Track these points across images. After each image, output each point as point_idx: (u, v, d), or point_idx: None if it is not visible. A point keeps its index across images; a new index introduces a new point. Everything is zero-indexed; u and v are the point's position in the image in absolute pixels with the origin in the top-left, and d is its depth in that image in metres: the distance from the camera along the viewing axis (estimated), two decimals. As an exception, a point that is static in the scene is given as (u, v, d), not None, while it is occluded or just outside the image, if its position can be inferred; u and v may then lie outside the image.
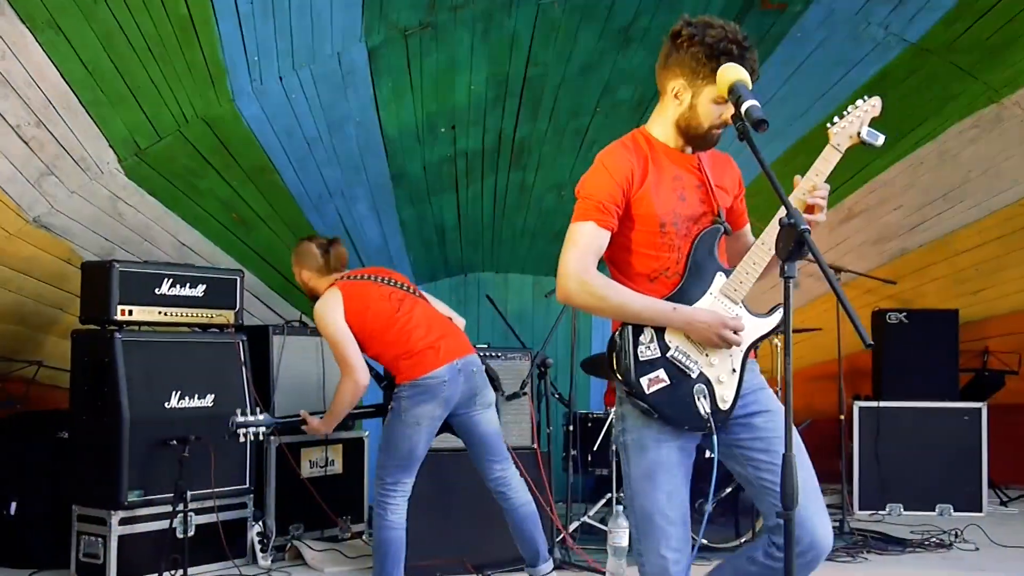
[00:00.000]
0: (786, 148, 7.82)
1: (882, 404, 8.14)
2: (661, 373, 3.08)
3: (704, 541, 6.37)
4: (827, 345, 7.67)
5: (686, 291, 3.18)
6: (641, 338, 3.11)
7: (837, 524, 7.12)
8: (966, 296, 8.93)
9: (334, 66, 5.89)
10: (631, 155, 3.18)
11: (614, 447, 6.30)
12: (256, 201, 6.64)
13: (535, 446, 6.06)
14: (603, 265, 3.32)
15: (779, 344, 7.35)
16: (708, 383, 3.11)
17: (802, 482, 2.80)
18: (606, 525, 5.71)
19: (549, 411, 6.09)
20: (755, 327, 3.19)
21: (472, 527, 5.84)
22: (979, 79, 7.24)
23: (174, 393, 5.66)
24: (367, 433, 6.90)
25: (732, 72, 2.96)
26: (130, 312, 5.64)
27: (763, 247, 3.17)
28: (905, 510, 7.99)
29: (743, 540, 6.46)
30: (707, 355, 3.13)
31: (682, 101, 3.20)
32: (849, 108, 3.41)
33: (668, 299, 3.14)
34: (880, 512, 7.99)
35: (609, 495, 6.81)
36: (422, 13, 5.81)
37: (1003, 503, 8.48)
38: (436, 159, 7.17)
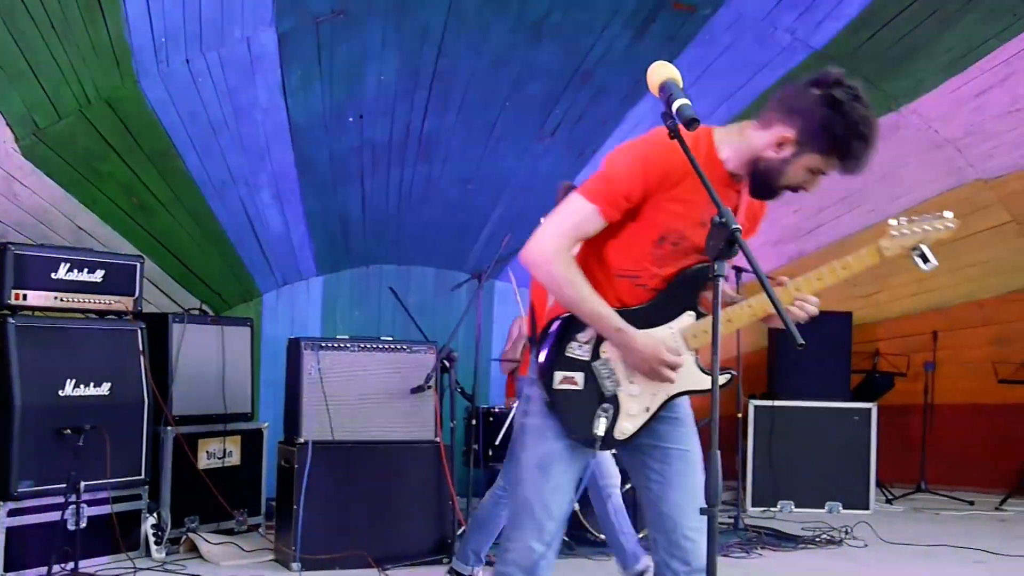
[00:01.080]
0: (692, 149, 7.89)
1: (776, 403, 8.30)
2: (578, 376, 3.04)
3: (603, 537, 6.42)
4: (727, 344, 7.76)
5: (651, 313, 3.05)
6: (579, 336, 3.06)
7: (732, 520, 7.24)
8: (859, 299, 9.14)
9: (243, 51, 5.78)
10: (675, 159, 2.85)
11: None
12: (158, 186, 6.48)
13: (438, 439, 6.03)
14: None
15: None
16: (617, 408, 3.03)
17: (688, 498, 3.00)
18: (507, 520, 5.72)
19: (453, 405, 6.06)
20: (692, 379, 3.07)
21: (372, 521, 5.80)
22: (879, 88, 7.40)
23: (69, 381, 5.50)
24: (266, 424, 6.80)
25: (663, 70, 2.88)
26: (24, 297, 5.47)
27: (749, 309, 3.07)
28: (796, 507, 8.16)
29: (642, 535, 6.51)
30: (631, 383, 3.04)
31: (781, 153, 2.97)
32: (924, 216, 3.21)
33: (629, 313, 3.02)
34: (772, 509, 8.14)
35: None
36: (334, 0, 5.73)
37: (888, 501, 8.71)
38: (343, 149, 7.09)
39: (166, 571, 5.68)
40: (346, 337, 5.96)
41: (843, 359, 8.50)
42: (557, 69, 6.84)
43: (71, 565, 5.30)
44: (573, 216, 2.99)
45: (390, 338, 6.07)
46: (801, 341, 2.51)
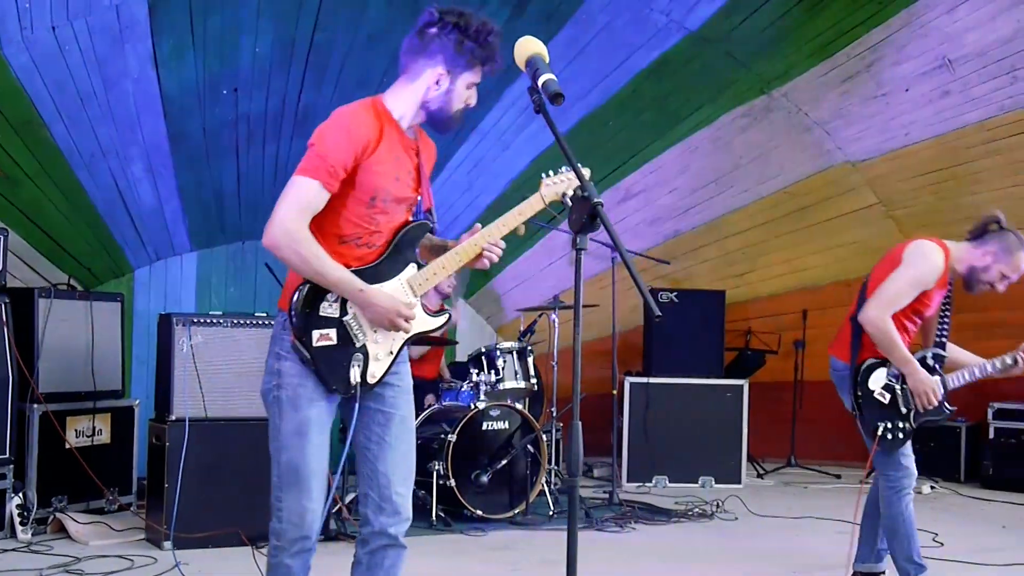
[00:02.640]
0: (567, 129, 7.96)
1: (651, 380, 8.42)
2: (332, 332, 3.27)
3: (479, 512, 6.46)
4: (604, 322, 7.87)
5: (379, 270, 3.36)
6: (328, 296, 3.27)
7: (607, 495, 7.35)
8: (733, 278, 9.35)
9: (112, 19, 5.63)
10: (370, 121, 3.26)
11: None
12: (23, 157, 6.28)
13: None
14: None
15: (556, 319, 7.50)
16: (366, 355, 3.31)
17: (402, 460, 3.36)
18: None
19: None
20: (423, 322, 3.44)
21: (246, 498, 5.72)
22: (752, 70, 7.56)
23: (-73, 356, 5.33)
24: (137, 402, 6.67)
25: (530, 45, 3.03)
26: None
27: (456, 256, 3.44)
28: (670, 482, 8.32)
29: (516, 511, 6.58)
30: (375, 331, 3.34)
31: (441, 87, 3.32)
32: (563, 169, 3.63)
33: (359, 272, 3.29)
34: (647, 484, 8.28)
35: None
36: (206, -31, 5.63)
37: (759, 475, 8.93)
38: (216, 122, 6.96)
39: (32, 552, 5.54)
40: (219, 313, 5.87)
41: (716, 337, 8.66)
42: (436, 46, 6.81)
43: (-70, 546, 5.15)
44: (303, 195, 3.19)
45: (264, 314, 6.00)
46: (659, 314, 2.68)
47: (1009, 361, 4.82)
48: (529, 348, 7.06)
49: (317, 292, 3.26)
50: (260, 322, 5.90)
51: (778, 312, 9.53)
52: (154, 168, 7.11)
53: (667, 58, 7.41)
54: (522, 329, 7.65)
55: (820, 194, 8.63)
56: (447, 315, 3.59)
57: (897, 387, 4.79)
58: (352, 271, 3.29)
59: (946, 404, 4.82)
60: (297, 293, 3.25)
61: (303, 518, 3.28)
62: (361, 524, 3.41)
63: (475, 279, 9.71)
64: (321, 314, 3.26)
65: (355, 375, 3.27)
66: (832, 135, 8.10)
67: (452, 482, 6.37)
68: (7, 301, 5.78)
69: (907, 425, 4.76)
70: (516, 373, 6.93)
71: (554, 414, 7.46)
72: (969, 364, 4.91)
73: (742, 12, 7.00)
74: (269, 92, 6.87)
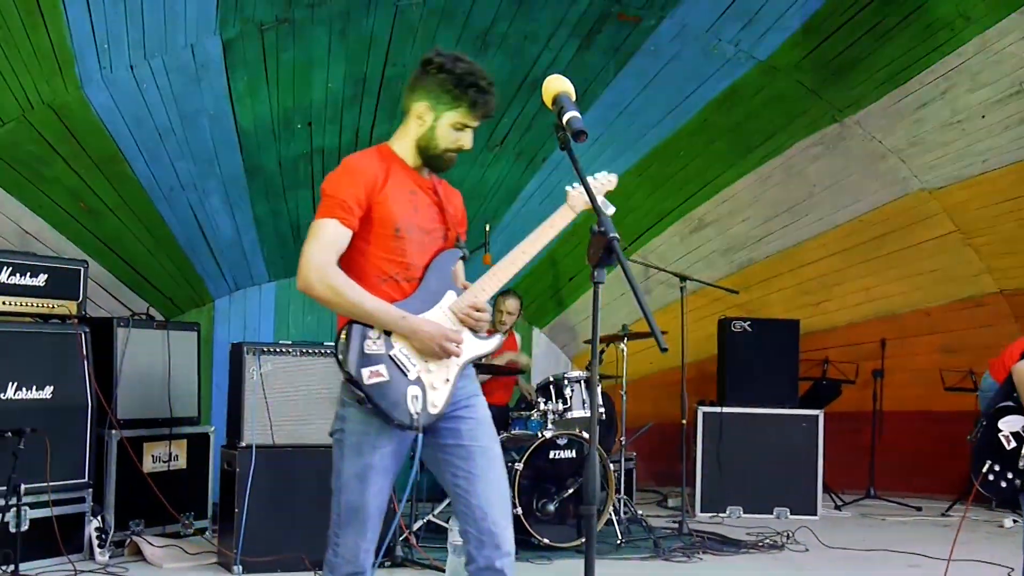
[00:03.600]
0: (639, 159, 8.02)
1: (725, 409, 8.37)
2: (382, 368, 3.24)
3: (546, 541, 6.49)
4: (676, 351, 7.85)
5: (418, 301, 3.37)
6: (370, 333, 3.26)
7: (676, 525, 7.33)
8: (809, 307, 9.27)
9: (187, 57, 5.84)
10: (374, 162, 3.36)
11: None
12: (105, 191, 6.53)
13: (378, 444, 6.08)
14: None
15: (624, 349, 7.52)
16: (423, 387, 3.29)
17: (493, 489, 3.27)
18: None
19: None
20: (474, 346, 3.43)
21: (313, 524, 5.82)
22: (823, 98, 7.54)
23: (10, 384, 5.53)
24: (212, 428, 6.84)
25: (557, 84, 3.10)
26: (-34, 301, 5.52)
27: (494, 278, 3.45)
28: (744, 512, 8.24)
29: (583, 540, 6.59)
30: (426, 361, 3.32)
31: (424, 122, 3.39)
32: (590, 177, 3.67)
33: (400, 306, 3.31)
34: (720, 514, 8.23)
35: (454, 494, 6.91)
36: (279, 8, 5.81)
37: (837, 507, 8.82)
38: (292, 155, 7.15)
39: (108, 573, 5.70)
40: (288, 342, 6.01)
41: (791, 366, 8.58)
42: (504, 78, 6.92)
43: (11, 567, 5.32)
44: (322, 235, 3.26)
45: (332, 343, 6.12)
46: (665, 346, 2.77)
47: None
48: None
49: (359, 331, 3.27)
50: (328, 351, 6.01)
51: (856, 342, 9.42)
52: (232, 200, 7.32)
53: (737, 87, 7.44)
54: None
55: (896, 222, 8.53)
56: (498, 337, 3.59)
57: None
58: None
59: None
60: (341, 335, 3.29)
61: (357, 555, 3.33)
62: (467, 563, 3.38)
63: (550, 309, 9.77)
64: (367, 352, 3.24)
65: (415, 407, 3.24)
66: (907, 162, 8.02)
67: (519, 510, 6.41)
68: (87, 331, 5.98)
69: (1018, 481, 4.62)
70: (584, 402, 6.96)
71: (623, 443, 7.46)
72: None
73: (811, 41, 7.00)
74: (342, 126, 7.05)
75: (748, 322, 8.58)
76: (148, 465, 6.38)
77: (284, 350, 5.92)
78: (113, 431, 6.15)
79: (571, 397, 7.00)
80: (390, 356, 3.26)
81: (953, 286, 8.90)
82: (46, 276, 5.86)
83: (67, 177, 6.24)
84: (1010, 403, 4.67)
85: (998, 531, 7.72)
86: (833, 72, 7.30)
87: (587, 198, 3.49)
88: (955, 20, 6.68)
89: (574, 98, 3.08)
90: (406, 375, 3.27)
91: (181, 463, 6.61)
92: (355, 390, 3.23)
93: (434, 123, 3.38)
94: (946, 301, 8.99)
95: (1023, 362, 4.66)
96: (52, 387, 5.74)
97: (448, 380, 3.35)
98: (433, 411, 3.29)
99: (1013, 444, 4.62)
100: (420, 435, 3.25)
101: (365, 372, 3.21)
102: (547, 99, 3.11)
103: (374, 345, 3.25)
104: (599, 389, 6.96)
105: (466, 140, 3.42)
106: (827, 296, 9.34)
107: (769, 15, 6.74)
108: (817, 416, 8.38)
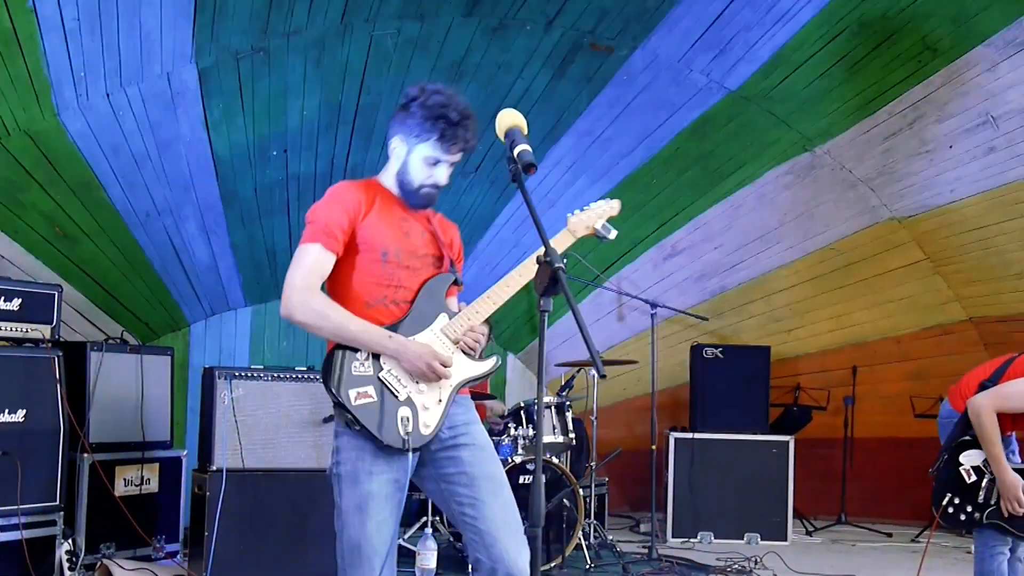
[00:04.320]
0: (612, 187, 8.11)
1: (696, 435, 8.44)
2: (370, 389, 3.24)
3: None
4: (648, 377, 7.91)
5: (408, 323, 3.37)
6: (358, 355, 3.26)
7: (646, 550, 7.38)
8: (780, 334, 9.36)
9: (163, 86, 5.91)
10: (360, 191, 3.41)
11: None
12: (81, 216, 6.57)
13: (348, 468, 6.13)
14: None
15: (594, 375, 7.58)
16: (413, 408, 3.27)
17: (502, 514, 3.20)
18: (417, 547, 5.85)
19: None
20: (466, 368, 3.42)
21: (284, 548, 5.87)
22: (793, 128, 7.65)
23: (-18, 408, 5.57)
24: (185, 452, 6.87)
25: (509, 118, 3.16)
26: (-62, 325, 5.55)
27: (488, 300, 3.44)
28: (716, 538, 8.29)
29: (553, 564, 6.63)
30: (416, 382, 3.31)
31: (399, 157, 3.45)
32: (592, 204, 3.80)
33: (394, 329, 3.32)
34: (692, 540, 8.28)
35: (425, 518, 6.95)
36: (254, 38, 5.88)
37: (808, 533, 8.88)
38: (268, 182, 7.22)
39: (78, 597, 5.74)
40: (260, 367, 6.06)
41: (762, 393, 8.65)
42: (478, 107, 6.92)
43: (-19, 590, 5.35)
44: (304, 260, 3.32)
45: (304, 368, 6.19)
46: (603, 373, 2.83)
47: None
48: (568, 403, 7.14)
49: (346, 354, 3.26)
50: (300, 376, 6.07)
51: (827, 368, 9.52)
52: (208, 227, 7.37)
53: (709, 117, 7.55)
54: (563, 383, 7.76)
55: (867, 250, 8.64)
56: (495, 359, 3.55)
57: (987, 477, 4.67)
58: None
59: None
60: (328, 359, 3.28)
61: None
62: None
63: (524, 334, 9.83)
64: (355, 374, 3.23)
65: (405, 428, 3.23)
66: (877, 192, 8.13)
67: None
68: (60, 355, 6.00)
69: (977, 515, 4.66)
70: (555, 427, 7.01)
71: (593, 468, 7.52)
72: None
73: (781, 72, 7.12)
74: (318, 153, 7.12)
75: (720, 349, 8.65)
76: (120, 488, 6.40)
77: (256, 375, 5.97)
78: (85, 455, 6.17)
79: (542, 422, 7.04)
80: (379, 378, 3.26)
81: (923, 314, 9.01)
82: (20, 300, 5.88)
83: (43, 202, 6.28)
84: (969, 437, 4.74)
85: (967, 557, 7.79)
86: (803, 102, 7.41)
87: (588, 223, 3.67)
88: (922, 52, 6.80)
89: (525, 132, 3.16)
90: (396, 396, 3.26)
91: (153, 487, 6.63)
92: (343, 412, 3.23)
93: (407, 157, 3.43)
94: (916, 329, 9.08)
95: (978, 396, 4.70)
96: (24, 410, 5.75)
97: (441, 400, 3.33)
98: (425, 431, 3.28)
99: (974, 478, 4.68)
100: (411, 455, 3.23)
101: (352, 394, 3.21)
102: (499, 133, 3.17)
103: (361, 367, 3.25)
104: (562, 415, 7.01)
105: (440, 175, 3.43)
106: (798, 323, 9.43)
107: (739, 46, 6.86)
108: (788, 442, 8.45)
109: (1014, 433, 4.86)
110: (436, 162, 3.41)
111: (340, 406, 3.22)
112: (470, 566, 5.09)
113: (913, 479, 9.02)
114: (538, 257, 2.91)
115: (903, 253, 8.59)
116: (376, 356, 3.28)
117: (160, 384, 6.80)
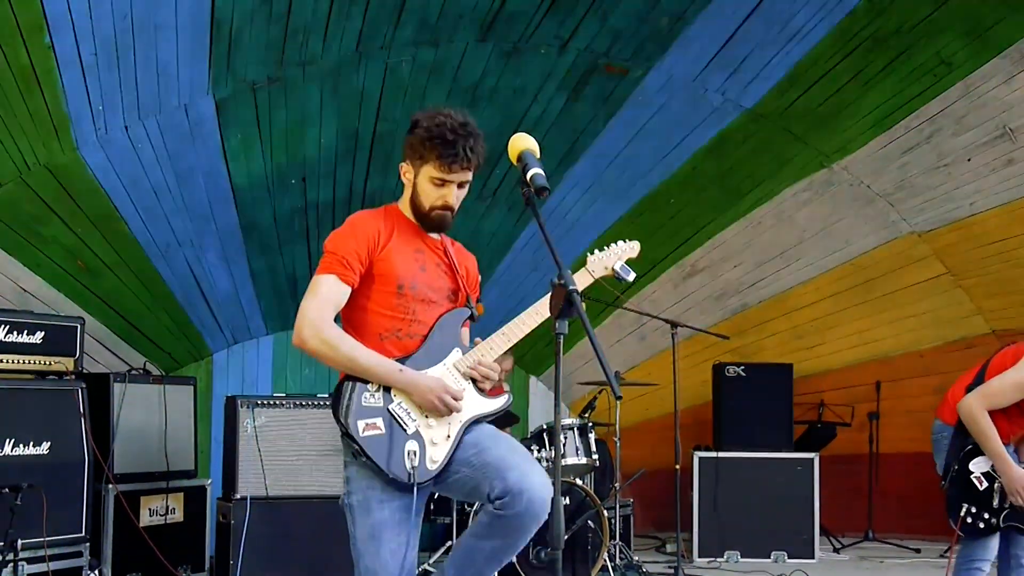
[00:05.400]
0: (630, 207, 8.11)
1: (720, 454, 8.41)
2: (379, 421, 3.24)
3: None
4: (671, 398, 7.89)
5: (421, 357, 3.37)
6: (368, 386, 3.27)
7: (672, 571, 7.35)
8: (802, 351, 9.32)
9: (181, 117, 5.96)
10: (379, 220, 3.43)
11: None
12: (102, 249, 6.63)
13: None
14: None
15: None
16: (421, 442, 3.27)
17: (509, 451, 3.20)
18: (442, 572, 5.82)
19: (388, 460, 6.17)
20: (477, 404, 3.41)
21: (309, 573, 5.89)
22: (810, 145, 7.64)
23: (7, 441, 5.59)
24: (210, 481, 6.89)
25: (521, 142, 3.16)
26: (-37, 359, 5.61)
27: (503, 337, 3.47)
28: (742, 557, 8.25)
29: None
30: (427, 417, 3.30)
31: (409, 180, 3.49)
32: (611, 244, 3.86)
33: (400, 361, 3.32)
34: (718, 559, 8.24)
35: (450, 543, 6.94)
36: (270, 68, 5.93)
37: (836, 550, 8.82)
38: (287, 210, 7.26)
39: (105, 627, 5.76)
40: (282, 395, 6.09)
41: (786, 410, 8.61)
42: (494, 131, 6.97)
43: (9, 623, 5.38)
44: (319, 290, 3.31)
45: (326, 395, 6.21)
46: (619, 395, 2.86)
47: None
48: (591, 424, 7.13)
49: (356, 385, 3.27)
50: (322, 403, 6.10)
51: (850, 384, 9.47)
52: (228, 256, 7.42)
53: (725, 135, 7.55)
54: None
55: (887, 265, 8.61)
56: (506, 396, 3.55)
57: (998, 480, 4.65)
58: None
59: None
60: (337, 389, 3.30)
61: None
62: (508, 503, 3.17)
63: (546, 356, 9.83)
64: (364, 405, 3.25)
65: (411, 462, 3.22)
66: (896, 206, 8.11)
67: (512, 558, 6.43)
68: (84, 386, 6.05)
69: (995, 520, 4.65)
70: (577, 449, 7.00)
71: (616, 489, 7.50)
72: None
73: (797, 89, 7.11)
74: (336, 180, 7.16)
75: (742, 367, 8.63)
76: (145, 519, 6.43)
77: (278, 403, 6.01)
78: (110, 485, 6.21)
79: (564, 444, 7.05)
80: (388, 410, 3.26)
81: (945, 328, 8.95)
82: (43, 333, 5.94)
83: (64, 236, 6.34)
84: (974, 445, 4.72)
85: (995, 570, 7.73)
86: (819, 119, 7.40)
87: (607, 263, 3.76)
88: (937, 66, 6.79)
89: (538, 155, 3.16)
90: (404, 430, 3.25)
91: (178, 516, 6.66)
92: (351, 443, 3.24)
93: (415, 180, 3.45)
94: (939, 343, 9.02)
95: (966, 398, 4.72)
96: (49, 443, 5.80)
97: (449, 436, 3.32)
98: (432, 467, 3.26)
99: (985, 484, 4.66)
100: (416, 490, 3.21)
101: (360, 424, 3.22)
102: (512, 156, 3.17)
103: (372, 398, 3.25)
104: (585, 436, 7.00)
105: (449, 195, 3.42)
106: (820, 340, 9.39)
107: (754, 64, 6.86)
108: (813, 459, 8.41)
109: (1013, 443, 4.83)
110: (443, 182, 3.41)
111: (348, 436, 3.23)
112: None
113: (940, 494, 8.98)
114: (552, 280, 2.92)
115: (924, 267, 8.55)
116: (387, 388, 3.28)
117: (183, 414, 6.84)
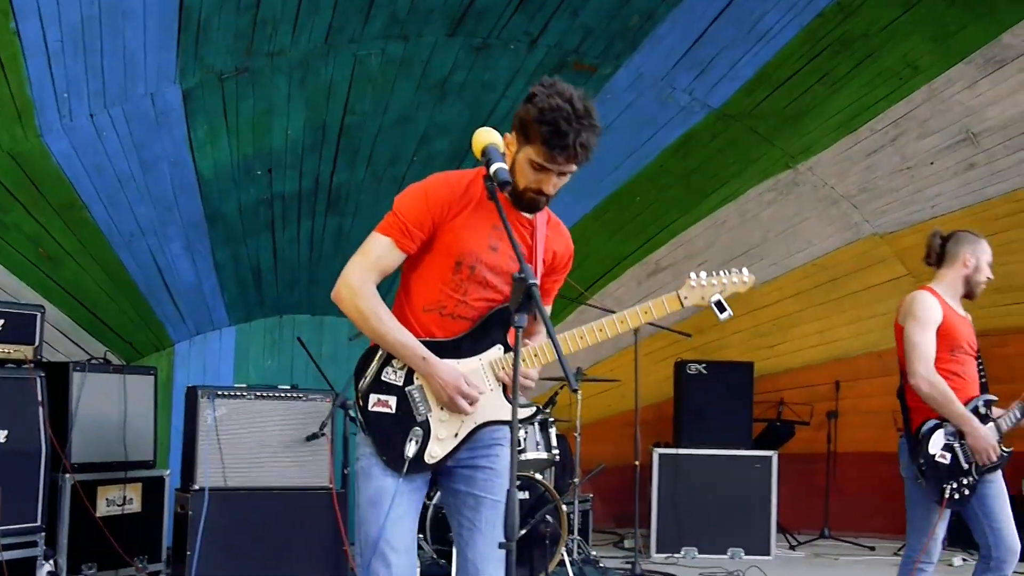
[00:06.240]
0: (596, 204, 8.15)
1: (680, 451, 8.46)
2: (391, 400, 3.16)
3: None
4: (633, 395, 7.93)
5: (459, 345, 3.21)
6: (394, 362, 3.19)
7: (629, 566, 7.40)
8: (764, 350, 9.39)
9: (147, 106, 5.91)
10: (460, 186, 3.19)
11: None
12: (64, 237, 6.57)
13: (331, 486, 6.14)
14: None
15: (579, 391, 7.60)
16: (428, 432, 3.17)
17: (492, 549, 3.06)
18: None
19: (348, 452, 6.18)
20: (496, 409, 3.23)
21: (267, 566, 5.88)
22: (776, 145, 7.70)
23: (-36, 429, 5.56)
24: (168, 472, 6.85)
25: (485, 136, 3.08)
26: (-80, 346, 5.55)
27: (552, 348, 3.22)
28: (699, 553, 8.30)
29: (538, 581, 6.64)
30: (441, 408, 3.19)
31: (509, 151, 3.18)
32: (723, 272, 3.49)
33: (435, 344, 3.18)
34: (676, 555, 8.29)
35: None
36: (239, 58, 5.89)
37: (792, 547, 8.90)
38: (252, 201, 7.22)
39: (60, 617, 5.73)
40: (243, 386, 6.07)
41: (746, 408, 8.67)
42: (462, 126, 7.03)
43: (-37, 612, 5.33)
44: (372, 251, 3.16)
45: (287, 387, 6.19)
46: (575, 387, 2.80)
47: None
48: (551, 419, 7.15)
49: (383, 356, 3.18)
50: (284, 395, 6.09)
51: (810, 383, 9.55)
52: (192, 246, 7.37)
53: (692, 134, 7.59)
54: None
55: (849, 266, 8.69)
56: (533, 408, 3.42)
57: (956, 445, 4.73)
58: (427, 341, 3.17)
59: (1003, 448, 4.77)
60: (365, 356, 3.21)
61: None
62: None
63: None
64: (383, 379, 3.16)
65: (410, 449, 3.13)
66: (859, 208, 8.19)
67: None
68: (42, 375, 5.99)
69: (971, 479, 4.72)
70: (537, 444, 7.02)
71: (576, 484, 7.53)
72: (1011, 406, 4.90)
73: (763, 90, 7.16)
74: (302, 172, 7.12)
75: (703, 364, 8.68)
76: (102, 509, 6.38)
77: (239, 393, 5.99)
78: (67, 475, 6.16)
79: (524, 439, 7.06)
80: (405, 390, 3.18)
81: (905, 329, 9.03)
82: (2, 321, 5.87)
83: (26, 224, 6.28)
84: (924, 430, 4.79)
85: (947, 569, 7.83)
86: (786, 120, 7.46)
87: (706, 295, 3.42)
88: (903, 70, 6.86)
89: (502, 150, 3.13)
90: (414, 415, 3.17)
91: (136, 507, 6.62)
92: (358, 414, 3.18)
93: (516, 155, 3.17)
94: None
95: (912, 378, 4.81)
96: (6, 431, 5.74)
97: (457, 435, 3.20)
98: (429, 460, 3.17)
99: (949, 456, 4.73)
100: (400, 480, 3.12)
101: (373, 398, 3.16)
102: (476, 151, 3.08)
103: (393, 375, 3.18)
104: (546, 431, 7.01)
105: (546, 183, 3.15)
106: (782, 339, 9.47)
107: (722, 64, 6.91)
108: (771, 457, 8.47)
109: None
110: (542, 168, 3.13)
111: (357, 405, 3.18)
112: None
113: (896, 492, 9.04)
114: (513, 274, 2.87)
115: (885, 268, 8.64)
116: (412, 368, 3.19)
117: (144, 404, 6.79)
